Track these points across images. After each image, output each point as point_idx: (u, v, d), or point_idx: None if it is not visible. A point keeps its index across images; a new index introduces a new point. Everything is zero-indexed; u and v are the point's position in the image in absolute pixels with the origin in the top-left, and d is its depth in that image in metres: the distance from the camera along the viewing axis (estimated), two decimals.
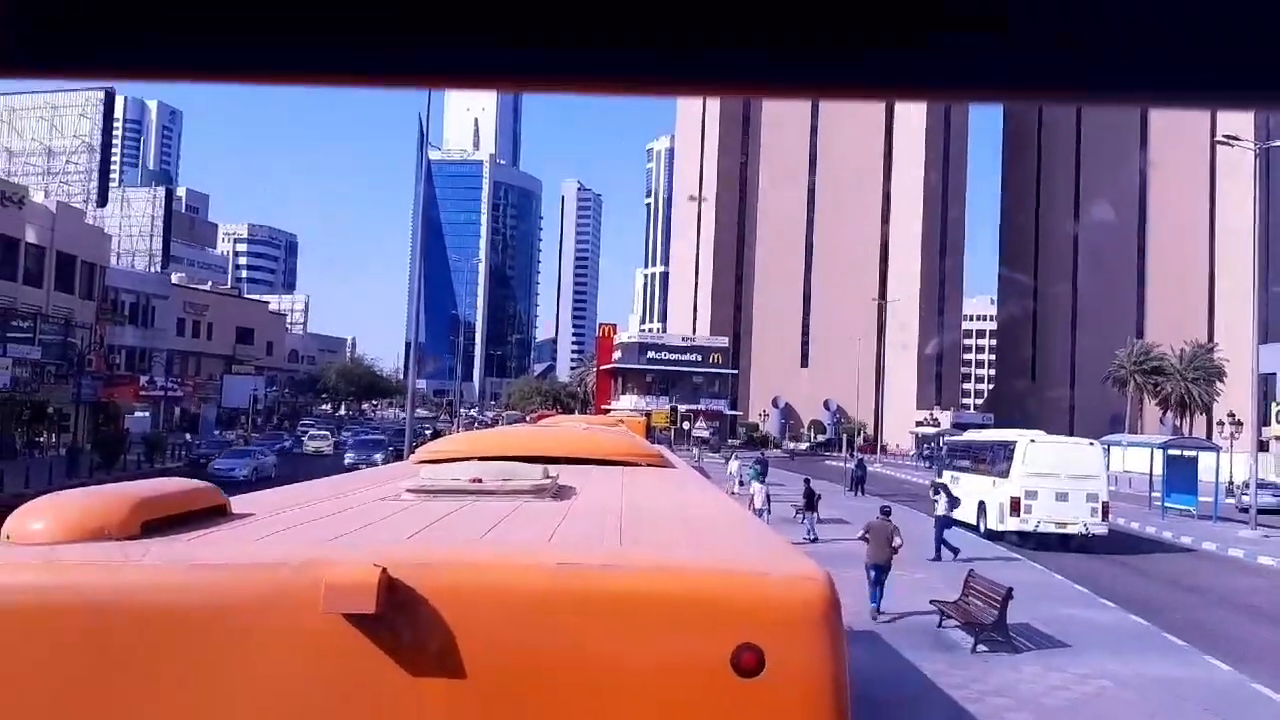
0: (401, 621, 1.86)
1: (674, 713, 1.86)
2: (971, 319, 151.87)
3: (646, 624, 1.90)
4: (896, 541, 15.36)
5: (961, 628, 13.65)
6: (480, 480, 3.15)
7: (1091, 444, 26.42)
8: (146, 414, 63.03)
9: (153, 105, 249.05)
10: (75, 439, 43.10)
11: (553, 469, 3.56)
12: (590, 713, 1.87)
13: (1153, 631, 14.90)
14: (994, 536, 25.23)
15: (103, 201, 60.53)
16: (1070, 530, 24.31)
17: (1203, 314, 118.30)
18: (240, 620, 1.90)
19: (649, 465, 4.81)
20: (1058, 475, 24.30)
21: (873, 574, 15.19)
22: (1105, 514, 24.43)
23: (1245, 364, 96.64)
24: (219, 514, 2.62)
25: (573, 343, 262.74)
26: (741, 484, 31.18)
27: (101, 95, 60.20)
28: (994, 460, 26.80)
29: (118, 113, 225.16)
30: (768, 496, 24.63)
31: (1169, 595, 19.40)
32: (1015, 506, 24.36)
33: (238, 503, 2.86)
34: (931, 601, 14.54)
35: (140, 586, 1.97)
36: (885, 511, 17.16)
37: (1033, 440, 25.42)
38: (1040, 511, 24.19)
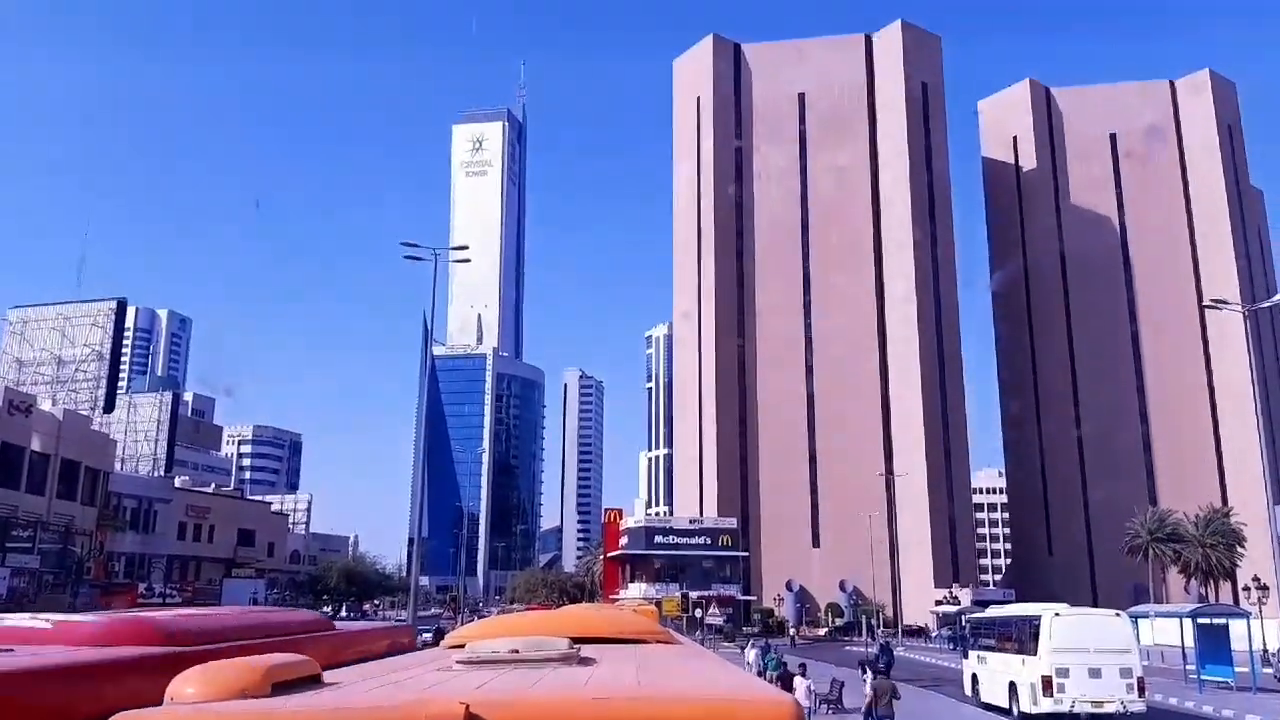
0: None
1: None
2: (981, 492, 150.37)
3: None
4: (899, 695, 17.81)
5: None
6: (517, 651, 3.73)
7: (1118, 615, 25.46)
8: None
9: (163, 314, 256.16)
10: None
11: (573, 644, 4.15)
12: None
13: None
14: (1027, 719, 23.94)
15: (109, 408, 61.21)
16: (1108, 709, 23.07)
17: (1213, 474, 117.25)
18: None
19: (658, 642, 5.30)
20: (1088, 650, 23.29)
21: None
22: (1141, 689, 23.28)
23: (1260, 525, 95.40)
24: (317, 681, 3.30)
25: (579, 531, 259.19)
26: (760, 674, 29.88)
27: (113, 305, 62.02)
28: (1020, 637, 25.74)
29: (128, 322, 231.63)
30: (810, 692, 21.93)
31: None
32: (1048, 685, 23.21)
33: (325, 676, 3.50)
34: None
35: None
36: (876, 670, 20.73)
37: (1057, 614, 24.48)
38: (1074, 690, 23.03)
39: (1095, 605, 34.75)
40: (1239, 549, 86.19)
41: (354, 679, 3.51)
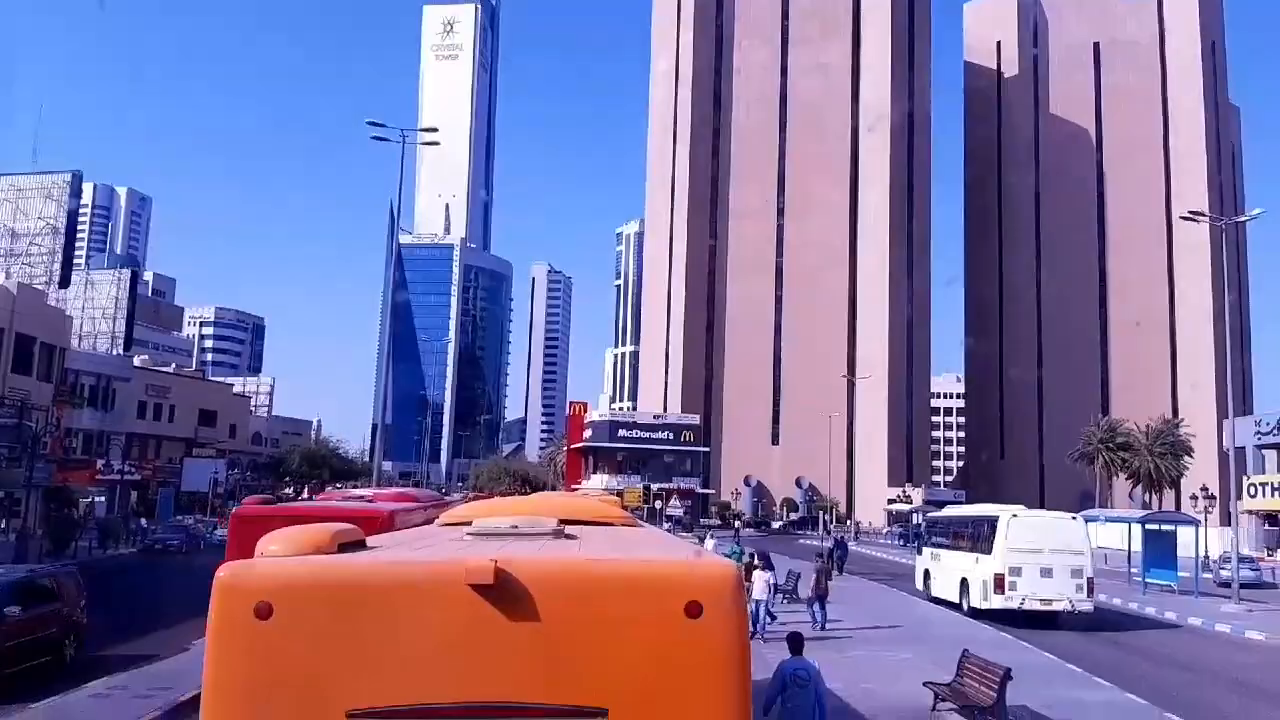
0: (505, 590, 3.34)
1: (654, 637, 3.35)
2: (939, 396, 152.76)
3: (639, 589, 3.45)
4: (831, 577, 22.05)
5: (958, 711, 13.00)
6: (516, 527, 4.56)
7: (1075, 518, 25.99)
8: (103, 498, 61.24)
9: (122, 191, 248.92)
10: (25, 524, 41.49)
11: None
12: (610, 637, 3.35)
13: (1153, 711, 14.32)
14: (977, 614, 24.57)
15: (65, 283, 59.63)
16: (1056, 607, 23.77)
17: (1166, 389, 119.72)
18: (421, 588, 3.41)
19: (625, 525, 6.14)
20: (1041, 551, 23.81)
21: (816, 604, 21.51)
22: (1091, 590, 23.94)
23: (1208, 438, 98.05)
24: (363, 545, 4.17)
25: (542, 423, 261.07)
26: None
27: (69, 177, 59.84)
28: (975, 537, 26.26)
29: (86, 198, 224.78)
30: (769, 585, 21.97)
31: (1163, 673, 18.82)
32: (1000, 584, 23.78)
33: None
34: (925, 684, 13.89)
35: (367, 573, 3.53)
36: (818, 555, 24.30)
37: (1015, 515, 24.95)
38: (1025, 588, 23.63)
39: (1043, 509, 35.59)
40: (1186, 459, 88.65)
41: (393, 544, 4.45)
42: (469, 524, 4.87)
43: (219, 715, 3.34)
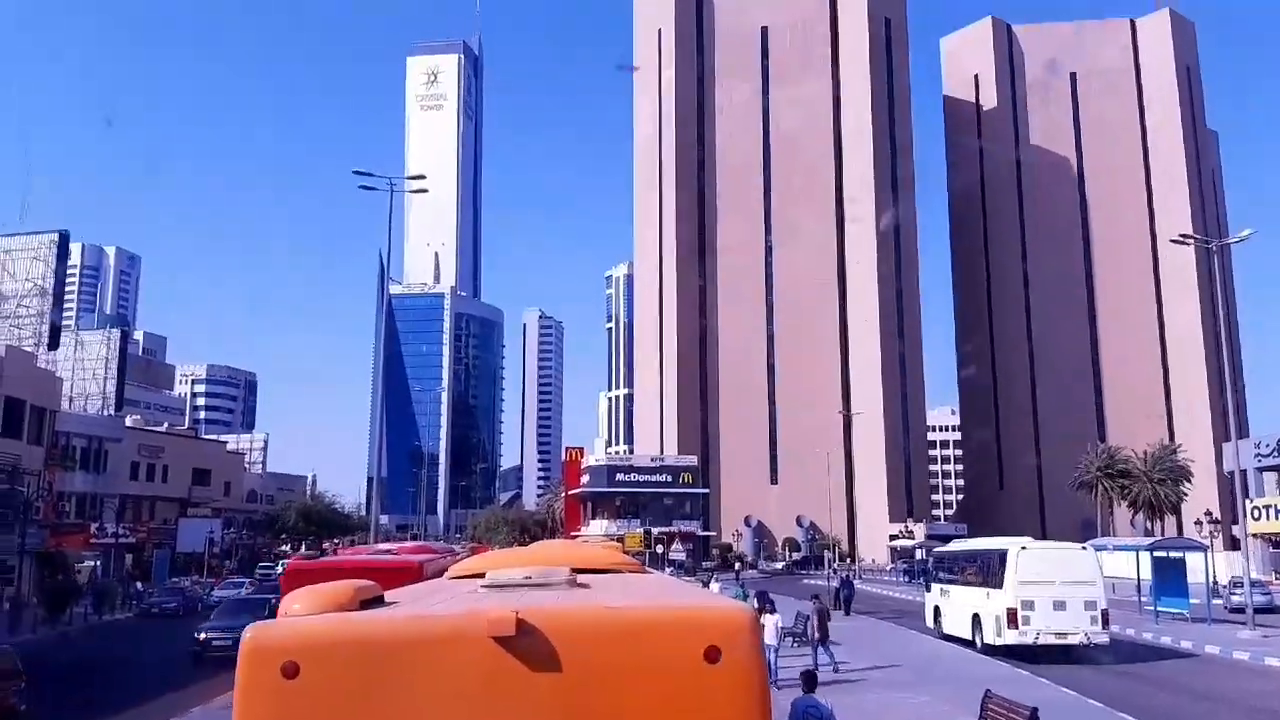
0: (527, 641, 3.36)
1: (674, 683, 3.36)
2: (935, 430, 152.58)
3: (658, 636, 3.45)
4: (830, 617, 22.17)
5: None
6: (530, 577, 4.45)
7: (1085, 548, 25.64)
8: (97, 562, 60.34)
9: (110, 251, 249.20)
10: (19, 591, 40.76)
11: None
12: (630, 684, 3.35)
13: None
14: (991, 650, 24.15)
15: (54, 344, 59.22)
16: (1071, 640, 23.34)
17: (1161, 414, 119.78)
18: (444, 641, 3.43)
19: (633, 571, 6.19)
20: (1053, 583, 23.43)
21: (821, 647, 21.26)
22: (1106, 622, 23.54)
23: (1206, 462, 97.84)
24: (382, 600, 4.09)
25: (539, 469, 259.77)
26: None
27: (55, 237, 59.71)
28: (985, 571, 25.85)
29: (75, 259, 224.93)
30: (779, 629, 21.64)
31: (1186, 705, 18.42)
32: (1013, 618, 23.35)
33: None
34: None
35: (391, 628, 3.55)
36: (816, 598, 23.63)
37: (1024, 547, 24.57)
38: (1039, 622, 23.20)
39: (1046, 539, 35.22)
40: (1185, 485, 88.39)
41: (410, 599, 4.41)
42: (481, 576, 4.94)
43: None
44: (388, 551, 16.71)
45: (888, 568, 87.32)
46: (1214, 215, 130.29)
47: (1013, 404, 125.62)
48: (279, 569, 66.22)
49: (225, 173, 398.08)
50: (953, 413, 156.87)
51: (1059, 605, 23.29)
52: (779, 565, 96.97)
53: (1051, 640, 23.22)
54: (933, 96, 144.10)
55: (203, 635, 25.37)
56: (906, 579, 67.52)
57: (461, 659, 3.38)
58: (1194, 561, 35.14)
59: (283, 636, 3.46)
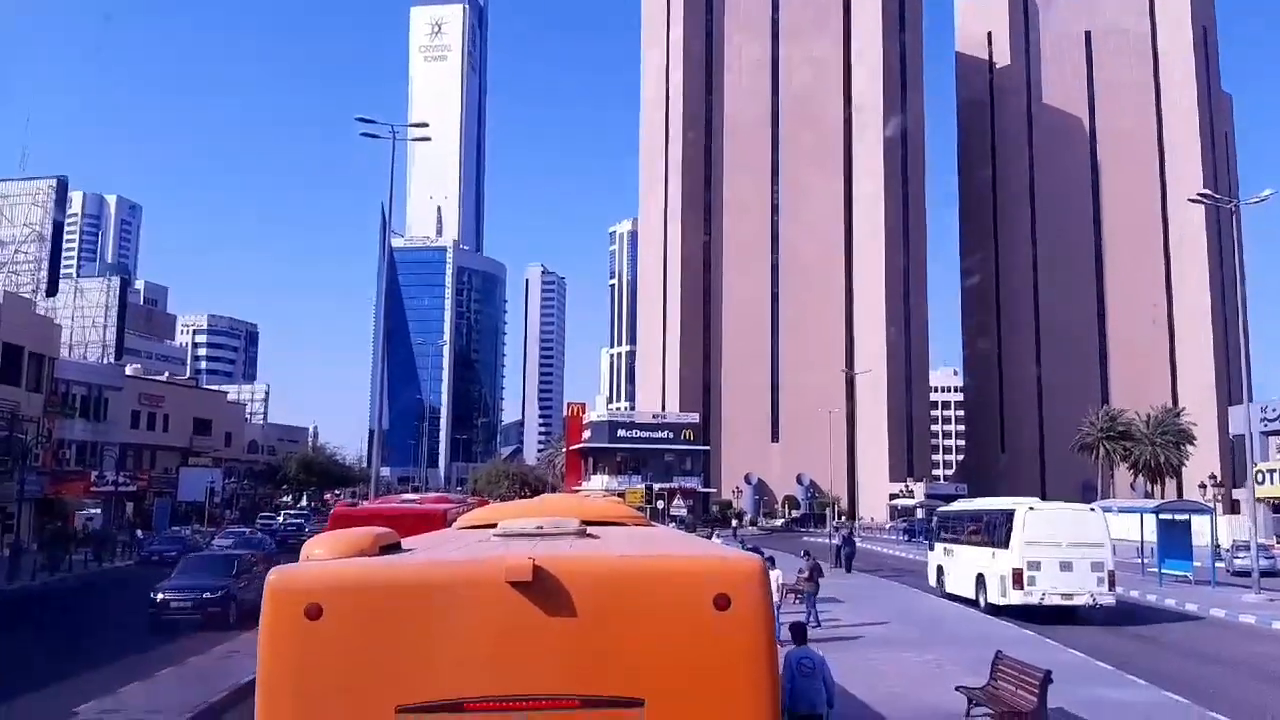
0: (543, 587, 3.44)
1: (685, 629, 3.46)
2: (938, 390, 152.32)
3: (669, 583, 3.55)
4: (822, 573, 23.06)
5: (994, 717, 12.32)
6: (541, 528, 4.51)
7: (1093, 509, 25.34)
8: (98, 510, 60.38)
9: (111, 199, 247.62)
10: (18, 538, 40.69)
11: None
12: (643, 630, 3.46)
13: (1194, 710, 13.68)
14: (995, 610, 23.93)
15: (53, 291, 58.68)
16: (1077, 601, 23.11)
17: (1165, 379, 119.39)
18: (462, 587, 3.49)
19: (638, 524, 6.22)
20: (1060, 544, 23.15)
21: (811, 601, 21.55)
22: (1112, 584, 23.28)
23: (1209, 426, 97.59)
24: (399, 547, 4.21)
25: (540, 425, 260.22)
26: None
27: (54, 183, 58.93)
28: (990, 531, 25.57)
29: (75, 207, 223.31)
30: (780, 586, 21.39)
31: (1196, 668, 18.16)
32: (1018, 579, 23.10)
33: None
34: (957, 688, 13.23)
35: (411, 573, 3.67)
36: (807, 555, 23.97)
37: (1031, 508, 24.26)
38: (1045, 583, 22.96)
39: (1044, 500, 35.01)
40: (1188, 448, 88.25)
41: (427, 546, 4.52)
42: (492, 526, 4.95)
43: (273, 712, 3.43)
44: (414, 501, 17.99)
45: (887, 526, 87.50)
46: (1226, 179, 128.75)
47: (1016, 365, 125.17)
48: (279, 519, 66.53)
49: (228, 124, 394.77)
50: (955, 373, 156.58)
51: (1065, 566, 23.04)
52: (778, 522, 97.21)
53: (1057, 601, 23.01)
54: (945, 54, 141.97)
55: (160, 595, 22.33)
56: (906, 538, 67.62)
57: (480, 603, 3.45)
58: (1197, 525, 34.97)
59: (307, 579, 3.55)
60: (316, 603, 3.41)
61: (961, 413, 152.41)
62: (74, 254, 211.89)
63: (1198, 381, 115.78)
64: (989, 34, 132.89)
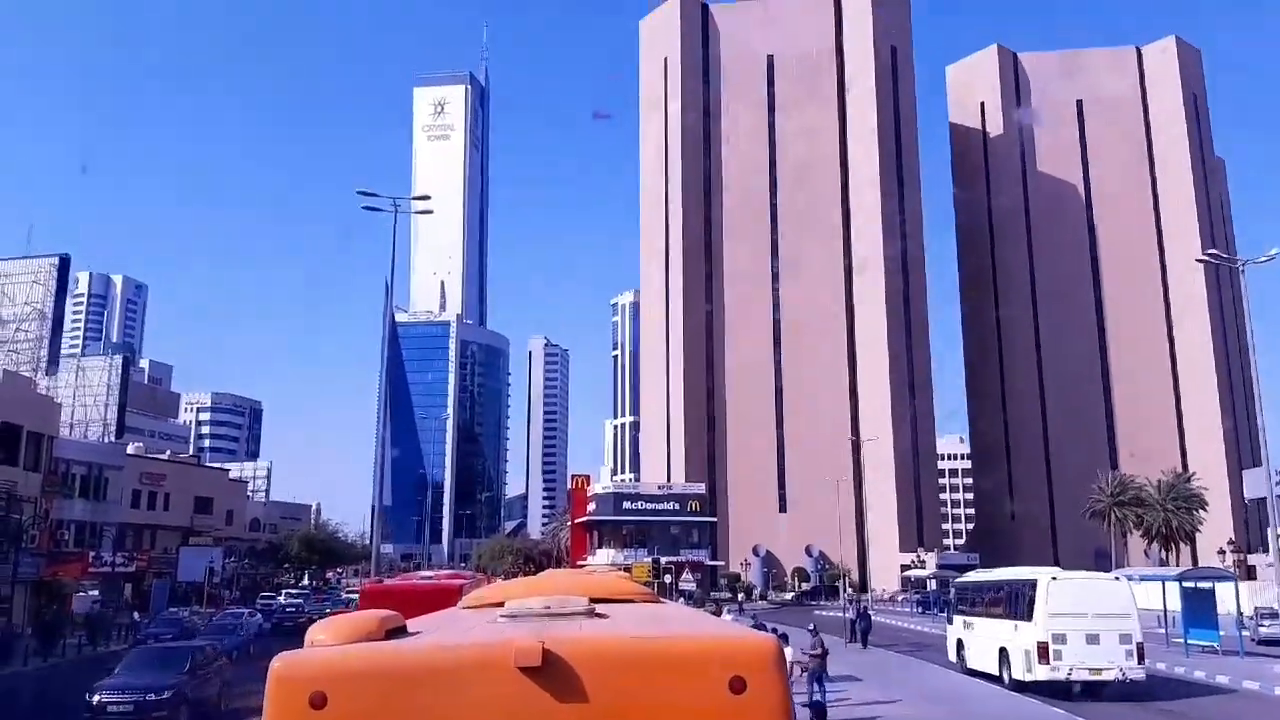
0: (552, 671, 3.30)
1: (700, 713, 3.29)
2: (944, 458, 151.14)
3: (684, 665, 3.38)
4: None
5: None
6: (549, 607, 4.27)
7: (1118, 579, 24.56)
8: (96, 592, 59.28)
9: (118, 279, 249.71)
10: (10, 622, 39.74)
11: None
12: (657, 715, 3.29)
13: None
14: (1020, 687, 23.02)
15: (53, 369, 58.48)
16: (1106, 676, 22.17)
17: (1174, 442, 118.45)
18: (469, 671, 3.36)
19: (648, 601, 5.98)
20: (1086, 615, 22.33)
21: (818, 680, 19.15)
22: (1142, 656, 22.41)
23: (1220, 490, 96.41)
24: (405, 631, 4.04)
25: (544, 498, 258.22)
26: None
27: (55, 261, 59.16)
28: (1012, 602, 24.72)
29: (82, 287, 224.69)
30: (791, 664, 20.82)
31: None
32: (1043, 653, 22.21)
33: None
34: None
35: (418, 658, 3.50)
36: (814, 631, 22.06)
37: (1054, 578, 23.47)
38: (1071, 657, 22.07)
39: (1057, 568, 34.08)
40: (1200, 513, 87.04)
41: (432, 628, 4.33)
42: (498, 605, 4.85)
43: None
44: (430, 578, 19.67)
45: (899, 598, 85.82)
46: (1223, 242, 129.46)
47: (1023, 431, 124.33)
48: (280, 598, 65.24)
49: (233, 202, 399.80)
50: (961, 440, 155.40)
51: (1092, 639, 22.17)
52: (788, 595, 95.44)
53: (1085, 676, 22.09)
54: (939, 125, 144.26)
55: (96, 697, 19.62)
56: (920, 609, 66.18)
57: (488, 689, 3.35)
58: (1220, 592, 34.03)
59: (311, 666, 3.45)
60: (321, 691, 3.31)
61: (969, 480, 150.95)
62: (79, 333, 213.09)
63: (1207, 443, 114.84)
64: (981, 104, 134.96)
